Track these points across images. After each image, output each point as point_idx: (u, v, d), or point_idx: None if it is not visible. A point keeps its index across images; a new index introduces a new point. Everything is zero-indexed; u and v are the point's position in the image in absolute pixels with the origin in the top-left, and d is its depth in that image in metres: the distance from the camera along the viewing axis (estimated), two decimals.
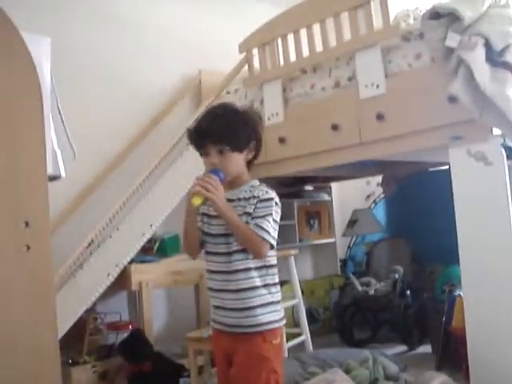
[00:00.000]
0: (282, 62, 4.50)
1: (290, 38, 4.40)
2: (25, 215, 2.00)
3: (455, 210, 3.55)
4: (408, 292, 4.82)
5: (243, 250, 2.25)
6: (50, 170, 2.25)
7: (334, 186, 6.22)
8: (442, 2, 3.57)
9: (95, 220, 4.29)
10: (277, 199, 2.30)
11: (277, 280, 2.34)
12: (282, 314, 2.33)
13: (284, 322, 2.33)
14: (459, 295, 3.78)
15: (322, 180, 5.85)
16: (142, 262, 4.39)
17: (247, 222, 2.23)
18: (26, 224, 2.00)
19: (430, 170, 5.38)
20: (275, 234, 2.25)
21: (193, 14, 5.49)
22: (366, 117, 3.95)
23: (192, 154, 4.75)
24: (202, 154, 2.32)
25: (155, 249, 4.58)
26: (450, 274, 4.49)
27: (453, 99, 3.39)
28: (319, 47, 4.24)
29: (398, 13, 4.30)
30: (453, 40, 3.35)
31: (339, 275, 5.93)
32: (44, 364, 2.19)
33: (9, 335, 2.10)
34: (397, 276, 4.87)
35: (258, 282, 2.27)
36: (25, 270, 2.09)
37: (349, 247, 6.18)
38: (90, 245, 4.16)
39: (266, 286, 2.28)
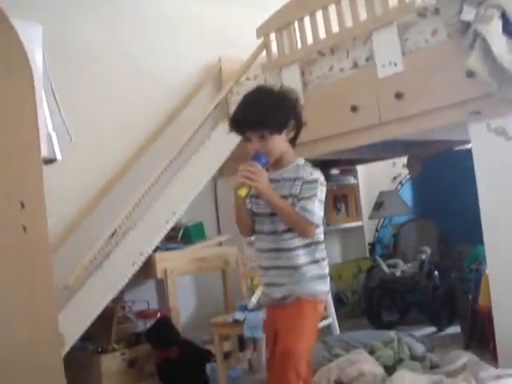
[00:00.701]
0: (299, 46, 4.49)
1: (307, 20, 4.38)
2: (20, 196, 2.02)
3: (477, 186, 3.51)
4: (436, 273, 4.78)
5: (290, 230, 2.32)
6: (44, 153, 2.28)
7: (360, 168, 6.18)
8: None
9: (120, 210, 4.34)
10: (322, 179, 2.36)
11: (325, 255, 2.41)
12: (328, 287, 2.41)
13: (329, 294, 2.49)
14: (485, 273, 3.73)
15: (348, 163, 5.82)
16: (167, 249, 4.42)
17: (293, 204, 2.30)
18: (22, 205, 2.02)
19: (456, 149, 5.31)
20: (321, 213, 2.32)
21: (209, 2, 5.47)
22: (385, 96, 3.92)
23: (214, 141, 4.83)
24: (244, 140, 2.38)
25: (179, 236, 4.61)
26: (478, 253, 4.42)
27: (471, 74, 3.34)
28: (336, 29, 4.21)
29: None
30: (468, 13, 3.30)
31: (367, 258, 5.89)
32: (43, 344, 2.22)
33: (6, 317, 2.13)
34: (424, 257, 4.83)
35: (306, 258, 2.35)
36: (22, 251, 2.11)
37: (376, 230, 6.14)
38: (113, 235, 4.20)
39: (314, 261, 2.37)
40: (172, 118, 5.02)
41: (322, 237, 2.41)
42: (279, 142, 2.34)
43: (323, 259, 2.40)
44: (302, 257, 2.33)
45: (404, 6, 3.77)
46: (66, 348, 3.69)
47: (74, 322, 3.84)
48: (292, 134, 2.40)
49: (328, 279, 2.41)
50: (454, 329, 4.61)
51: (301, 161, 2.41)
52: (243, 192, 2.26)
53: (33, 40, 2.13)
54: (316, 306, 2.38)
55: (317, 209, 2.29)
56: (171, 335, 4.05)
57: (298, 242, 2.33)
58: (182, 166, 4.67)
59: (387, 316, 5.08)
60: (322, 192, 2.34)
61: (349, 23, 4.12)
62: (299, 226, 2.30)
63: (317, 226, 2.34)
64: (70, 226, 4.38)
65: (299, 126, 2.42)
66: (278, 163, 2.40)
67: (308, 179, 2.32)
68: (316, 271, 2.36)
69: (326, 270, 2.41)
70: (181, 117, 5.04)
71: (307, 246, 2.35)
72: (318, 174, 2.35)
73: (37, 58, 2.19)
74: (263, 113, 2.31)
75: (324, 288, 2.39)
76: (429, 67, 3.67)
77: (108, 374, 4.01)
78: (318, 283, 2.36)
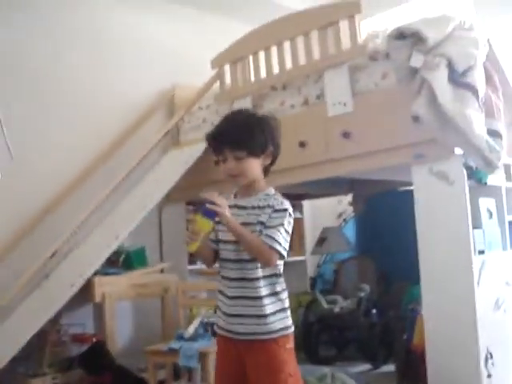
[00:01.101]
0: (252, 79, 4.55)
1: (261, 55, 4.46)
2: None
3: (417, 227, 3.60)
4: (373, 311, 4.83)
5: (253, 259, 2.25)
6: None
7: (306, 204, 6.24)
8: (408, 23, 3.62)
9: (63, 231, 4.28)
10: (291, 210, 2.30)
11: (284, 287, 2.33)
12: (291, 320, 2.33)
13: (293, 328, 2.33)
14: (420, 313, 3.80)
15: (294, 198, 5.87)
16: (107, 273, 4.37)
17: (260, 231, 2.24)
18: None
19: (399, 189, 5.42)
20: (286, 245, 2.24)
21: (167, 29, 5.51)
22: (333, 134, 4.00)
23: (161, 168, 4.84)
24: (219, 161, 2.34)
25: (121, 261, 4.56)
26: (415, 292, 4.50)
27: (416, 118, 3.44)
28: (289, 65, 4.30)
29: (368, 33, 4.37)
30: (417, 60, 3.41)
31: (308, 293, 5.92)
32: None
33: None
34: (362, 294, 4.89)
35: (268, 289, 2.27)
36: None
37: (318, 265, 6.20)
38: (53, 255, 4.14)
39: (276, 293, 2.28)
40: (122, 142, 4.99)
41: (281, 269, 2.34)
42: (254, 166, 2.30)
43: (283, 291, 2.32)
44: (263, 288, 2.26)
45: (356, 49, 3.88)
46: None
47: (6, 343, 3.75)
48: (268, 161, 2.35)
49: (289, 312, 2.32)
50: (390, 367, 4.65)
51: (271, 190, 2.35)
52: (193, 247, 2.23)
53: None
54: (284, 344, 2.28)
55: (282, 239, 2.22)
56: (105, 361, 3.98)
57: (260, 272, 2.26)
58: (129, 190, 4.65)
59: (325, 351, 5.10)
60: (289, 223, 2.27)
61: (302, 60, 4.20)
62: (261, 254, 2.21)
63: (281, 257, 2.24)
64: (10, 245, 4.30)
65: (276, 154, 2.38)
66: (249, 190, 2.35)
67: (277, 208, 2.26)
68: (277, 304, 2.28)
69: (287, 303, 2.33)
70: (131, 141, 5.02)
71: (269, 277, 2.28)
72: (287, 205, 2.29)
73: None
74: (244, 133, 2.28)
75: (287, 322, 2.30)
76: (377, 109, 3.77)
77: None
78: (280, 318, 2.28)
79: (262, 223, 2.25)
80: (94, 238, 4.35)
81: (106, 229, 4.37)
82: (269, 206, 2.27)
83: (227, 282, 2.33)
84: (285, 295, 2.32)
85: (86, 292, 4.17)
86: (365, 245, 6.00)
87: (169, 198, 4.90)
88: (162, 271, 4.88)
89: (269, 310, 2.25)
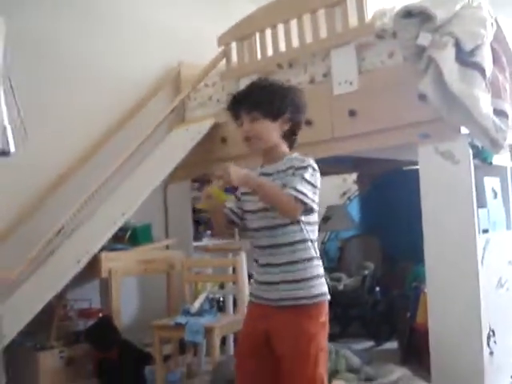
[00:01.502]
0: (259, 57, 4.55)
1: (268, 33, 4.45)
2: None
3: (422, 206, 3.62)
4: (377, 288, 4.88)
5: (285, 225, 2.24)
6: None
7: None
8: (416, 1, 3.61)
9: (70, 207, 4.32)
10: (314, 165, 2.26)
11: (318, 253, 2.31)
12: (326, 288, 2.28)
13: (328, 296, 2.29)
14: (423, 291, 3.83)
15: None
16: (113, 249, 4.40)
17: None
18: None
19: (404, 168, 5.43)
20: (311, 195, 2.18)
21: (173, 6, 5.50)
22: (339, 113, 4.01)
23: (167, 145, 4.85)
24: (238, 126, 2.35)
25: (127, 237, 4.59)
26: (420, 271, 4.52)
27: (422, 97, 3.44)
28: (296, 43, 4.29)
29: (376, 11, 4.35)
30: (424, 39, 3.40)
31: None
32: None
33: None
34: (366, 272, 4.92)
35: (301, 255, 2.24)
36: None
37: (323, 243, 6.23)
38: (60, 231, 4.17)
39: (309, 259, 2.25)
40: (129, 119, 5.01)
41: (316, 235, 2.31)
42: (270, 130, 2.28)
43: (318, 258, 2.29)
44: (298, 252, 2.24)
45: (363, 27, 3.88)
46: (5, 342, 3.66)
47: (14, 317, 3.79)
48: (286, 127, 2.32)
49: (323, 279, 2.28)
50: (392, 344, 4.71)
51: (296, 155, 2.32)
52: (221, 197, 2.23)
53: None
54: (318, 313, 2.24)
55: (304, 188, 2.16)
56: (112, 335, 4.03)
57: (290, 237, 2.24)
58: (135, 167, 4.67)
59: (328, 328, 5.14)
60: (312, 175, 2.22)
61: (309, 39, 4.20)
62: (282, 203, 2.15)
63: (306, 208, 2.18)
64: (17, 220, 4.33)
65: (296, 125, 2.36)
66: (271, 156, 2.32)
67: (298, 166, 2.22)
68: (313, 270, 2.24)
69: (321, 270, 2.30)
70: (138, 118, 5.04)
71: (302, 241, 2.25)
72: (309, 161, 2.25)
73: None
74: (261, 95, 2.29)
75: (323, 288, 2.26)
76: (383, 88, 3.77)
77: (45, 372, 3.95)
78: (316, 284, 2.24)
79: (284, 185, 2.21)
80: (101, 214, 4.38)
81: (112, 205, 4.40)
82: (291, 168, 2.24)
83: (259, 251, 2.33)
84: (318, 262, 2.29)
85: (92, 268, 4.20)
86: (369, 223, 6.04)
87: (174, 176, 4.92)
88: (167, 247, 4.91)
89: (301, 275, 2.22)
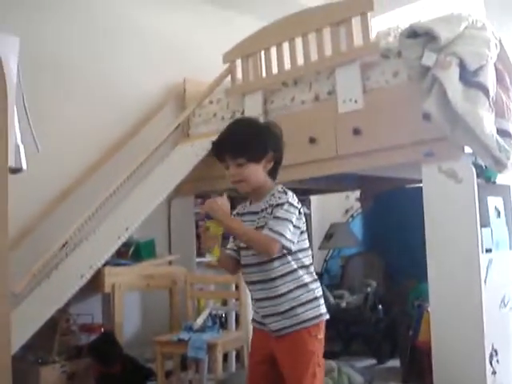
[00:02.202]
0: (264, 74, 4.58)
1: (273, 50, 4.48)
2: None
3: (425, 225, 3.62)
4: (379, 306, 4.87)
5: (270, 260, 2.32)
6: (12, 163, 2.32)
7: (314, 199, 6.27)
8: (420, 21, 3.65)
9: (73, 222, 4.33)
10: (291, 199, 2.33)
11: (315, 277, 2.40)
12: (323, 309, 2.38)
13: (327, 316, 2.39)
14: (426, 309, 3.83)
15: (301, 193, 5.90)
16: (116, 264, 4.41)
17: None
18: None
19: (407, 186, 5.44)
20: (287, 234, 2.26)
21: (179, 23, 5.56)
22: (343, 131, 4.03)
23: (172, 161, 4.87)
24: (224, 167, 2.43)
25: (130, 253, 4.61)
26: (422, 289, 4.52)
27: (427, 116, 3.47)
28: (301, 61, 4.32)
29: (379, 31, 4.39)
30: (429, 58, 3.44)
31: None
32: None
33: None
34: (369, 290, 4.92)
35: (293, 284, 2.33)
36: None
37: (325, 260, 6.23)
38: (64, 246, 4.18)
39: (303, 285, 2.34)
40: (134, 134, 5.05)
41: (308, 261, 2.39)
42: (256, 172, 2.37)
43: (312, 282, 2.38)
44: (288, 283, 2.33)
45: (368, 46, 3.91)
46: None
47: (17, 331, 3.78)
48: (270, 166, 2.41)
49: (320, 301, 2.38)
50: (394, 362, 4.69)
51: (277, 188, 2.39)
52: (216, 253, 2.36)
53: (9, 52, 2.17)
54: (317, 331, 2.34)
55: (281, 227, 2.25)
56: (114, 350, 4.03)
57: (278, 271, 2.33)
58: (139, 182, 4.69)
59: (330, 346, 5.12)
60: (286, 211, 2.28)
61: (314, 57, 4.23)
62: (259, 244, 2.28)
63: (283, 246, 2.26)
64: (21, 234, 4.35)
65: (278, 159, 2.45)
66: (258, 194, 2.42)
67: (276, 203, 2.31)
68: (309, 294, 2.35)
69: (317, 293, 2.38)
70: (142, 133, 5.08)
71: (291, 272, 2.33)
72: (285, 198, 2.32)
73: (12, 69, 2.23)
74: (242, 141, 2.37)
75: (321, 310, 2.37)
76: (388, 106, 3.80)
77: None
78: (313, 306, 2.35)
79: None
80: (105, 229, 4.38)
81: (116, 220, 4.41)
82: (270, 206, 2.34)
83: (251, 286, 2.43)
84: (315, 285, 2.38)
85: (95, 282, 4.21)
86: (372, 241, 6.04)
87: (178, 191, 4.94)
88: (170, 263, 4.92)
89: (295, 302, 2.32)
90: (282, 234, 2.25)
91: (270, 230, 2.26)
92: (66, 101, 4.75)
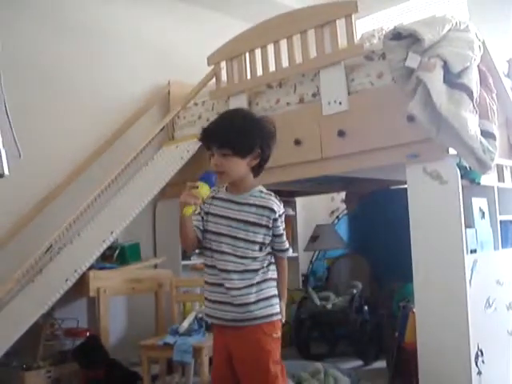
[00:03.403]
0: (248, 76, 4.57)
1: (258, 52, 4.48)
2: None
3: (410, 226, 3.64)
4: (365, 308, 4.87)
5: (249, 257, 2.38)
6: None
7: (299, 200, 6.27)
8: (404, 23, 3.66)
9: (58, 226, 4.30)
10: (282, 210, 2.47)
11: (275, 275, 2.47)
12: (277, 308, 2.45)
13: (279, 316, 2.46)
14: (412, 311, 3.84)
15: (287, 194, 5.90)
16: (102, 268, 4.38)
17: (265, 235, 2.39)
18: None
19: (392, 187, 5.46)
20: (287, 245, 2.52)
21: (164, 25, 5.55)
22: (328, 133, 4.04)
23: (156, 164, 4.85)
24: (209, 154, 2.42)
25: (115, 256, 4.58)
26: (407, 291, 4.53)
27: (411, 118, 3.48)
28: (285, 63, 4.32)
29: (364, 33, 4.40)
30: (413, 60, 3.45)
31: (300, 289, 5.96)
32: None
33: None
34: (355, 291, 4.92)
35: (258, 279, 2.39)
36: None
37: (311, 262, 6.23)
38: (48, 250, 4.16)
39: (261, 282, 2.40)
40: (118, 137, 5.01)
41: (272, 259, 2.48)
42: (239, 166, 2.37)
43: (273, 279, 2.45)
44: (253, 278, 2.38)
45: (352, 48, 3.92)
46: None
47: (1, 336, 3.76)
48: (254, 163, 2.41)
49: (277, 300, 2.45)
50: (380, 363, 4.69)
51: (263, 188, 2.45)
52: (189, 211, 2.28)
53: None
54: (271, 332, 2.40)
55: (286, 243, 2.49)
56: (99, 355, 4.00)
57: (253, 266, 2.39)
58: (124, 185, 4.67)
59: (316, 348, 5.14)
60: (283, 223, 2.47)
61: (299, 59, 4.23)
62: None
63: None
64: (5, 238, 4.30)
65: (265, 157, 2.44)
66: (239, 187, 2.43)
67: (279, 213, 2.41)
68: (264, 292, 2.40)
69: (275, 291, 2.45)
70: (126, 136, 5.04)
71: (260, 269, 2.40)
72: (277, 206, 2.42)
73: None
74: (231, 134, 2.36)
75: (275, 309, 2.42)
76: (372, 108, 3.81)
77: None
78: (267, 304, 2.40)
79: (263, 226, 2.38)
80: (89, 232, 4.36)
81: (100, 224, 4.39)
82: (269, 209, 2.39)
83: (215, 271, 2.42)
84: (274, 283, 2.45)
85: (80, 287, 4.18)
86: (357, 242, 6.05)
87: (163, 194, 4.92)
88: (155, 266, 4.90)
89: (255, 297, 2.37)
90: (289, 248, 2.51)
91: (285, 251, 2.50)
92: (50, 104, 4.72)
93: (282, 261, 2.51)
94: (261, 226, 2.37)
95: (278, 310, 2.43)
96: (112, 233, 4.26)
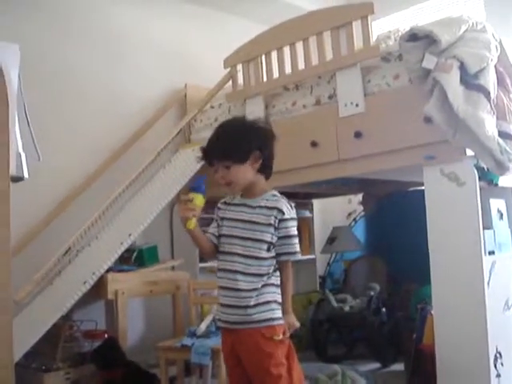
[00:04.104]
0: (265, 79, 4.58)
1: (274, 55, 4.49)
2: None
3: (428, 228, 3.62)
4: (383, 310, 4.85)
5: (257, 257, 2.42)
6: (13, 172, 2.35)
7: (316, 202, 6.26)
8: (420, 24, 3.65)
9: (76, 228, 4.33)
10: (294, 213, 2.51)
11: (278, 282, 2.49)
12: (279, 313, 2.46)
13: (281, 321, 2.45)
14: (430, 313, 3.82)
15: (303, 196, 5.90)
16: (120, 271, 4.41)
17: (273, 235, 2.42)
18: None
19: (410, 189, 5.44)
20: (298, 248, 2.51)
21: (180, 28, 5.58)
22: (345, 135, 4.03)
23: (174, 166, 4.87)
24: (214, 171, 2.49)
25: (133, 258, 4.61)
26: (425, 293, 4.51)
27: (428, 119, 3.47)
28: (302, 65, 4.33)
29: (380, 34, 4.39)
30: (430, 61, 3.44)
31: (318, 291, 5.95)
32: None
33: None
34: (372, 293, 4.90)
35: (261, 284, 2.42)
36: None
37: (328, 264, 6.22)
38: (67, 252, 4.19)
39: (266, 285, 2.43)
40: (135, 140, 5.04)
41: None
42: (243, 172, 2.44)
43: (277, 286, 2.47)
44: (258, 282, 2.41)
45: (369, 50, 3.91)
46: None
47: (20, 338, 3.78)
48: (258, 165, 2.47)
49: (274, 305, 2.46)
50: (398, 366, 4.66)
51: (276, 193, 2.51)
52: (191, 225, 2.40)
53: (9, 60, 2.19)
54: (271, 335, 2.40)
55: (297, 244, 2.48)
56: (117, 357, 4.02)
57: (261, 269, 2.42)
58: (141, 188, 4.69)
59: (333, 350, 5.13)
60: (293, 227, 2.48)
61: (315, 61, 4.23)
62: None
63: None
64: (24, 241, 4.34)
65: (266, 156, 2.49)
66: (251, 191, 2.50)
67: (290, 216, 2.44)
68: (265, 296, 2.42)
69: (279, 297, 2.47)
70: (144, 139, 5.08)
71: (266, 273, 2.43)
72: (294, 212, 2.49)
73: (12, 78, 2.24)
74: (226, 145, 2.44)
75: (276, 313, 2.43)
76: (389, 110, 3.80)
77: None
78: (267, 308, 2.42)
79: (271, 225, 2.42)
80: (107, 235, 4.39)
81: (119, 226, 4.41)
82: (278, 209, 2.43)
83: (224, 274, 2.48)
84: (274, 289, 2.46)
85: (98, 289, 4.21)
86: (374, 245, 6.02)
87: (180, 197, 4.93)
88: (173, 268, 4.91)
89: (256, 301, 2.40)
90: (299, 252, 2.48)
91: (293, 253, 2.47)
92: (67, 108, 4.76)
93: (286, 269, 2.51)
94: (269, 225, 2.41)
95: (279, 315, 2.45)
96: (130, 235, 4.28)
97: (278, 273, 2.49)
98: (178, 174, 4.73)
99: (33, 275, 4.07)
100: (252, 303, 2.39)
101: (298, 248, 2.48)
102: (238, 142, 2.45)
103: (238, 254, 2.43)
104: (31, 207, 4.44)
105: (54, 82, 4.70)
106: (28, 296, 4.00)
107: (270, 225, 2.41)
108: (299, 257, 2.47)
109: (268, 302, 2.42)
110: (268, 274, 2.44)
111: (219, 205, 2.61)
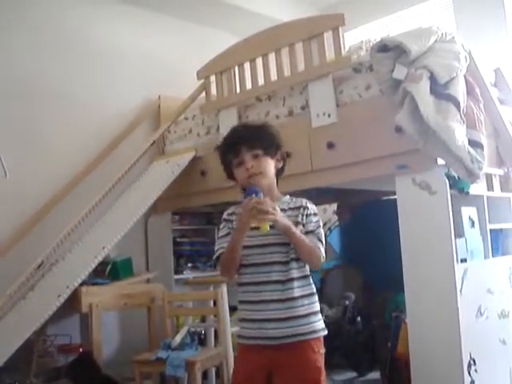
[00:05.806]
0: (238, 90, 4.60)
1: (247, 66, 4.51)
2: None
3: (400, 236, 3.65)
4: (358, 319, 4.86)
5: (293, 259, 2.28)
6: None
7: None
8: (391, 35, 3.69)
9: (50, 242, 4.30)
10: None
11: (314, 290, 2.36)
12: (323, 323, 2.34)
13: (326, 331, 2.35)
14: (404, 321, 3.84)
15: None
16: (94, 284, 4.38)
17: (301, 232, 2.28)
18: None
19: (383, 198, 5.47)
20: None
21: (153, 40, 5.57)
22: (318, 145, 4.06)
23: (148, 178, 4.86)
24: (235, 166, 2.36)
25: (107, 271, 4.57)
26: (400, 300, 4.54)
27: (399, 129, 3.50)
28: (274, 76, 4.35)
29: (352, 45, 4.43)
30: (400, 72, 3.48)
31: None
32: None
33: None
34: (347, 303, 4.92)
35: (303, 291, 2.28)
36: None
37: None
38: (39, 266, 4.15)
39: (311, 294, 2.32)
40: (108, 152, 5.03)
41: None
42: (271, 166, 2.36)
43: (314, 294, 2.34)
44: (298, 289, 2.27)
45: (340, 61, 3.94)
46: None
47: None
48: (280, 165, 2.42)
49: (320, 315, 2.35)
50: (375, 374, 4.68)
51: (289, 197, 2.43)
52: (267, 227, 2.21)
53: None
54: (319, 349, 2.30)
55: (323, 239, 2.34)
56: (92, 371, 3.99)
57: (294, 273, 2.28)
58: (115, 200, 4.67)
59: None
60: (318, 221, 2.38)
61: (287, 72, 4.26)
62: (314, 257, 2.27)
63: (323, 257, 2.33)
64: None
65: (285, 162, 2.45)
66: (270, 195, 2.32)
67: (313, 212, 2.35)
68: (313, 305, 2.30)
69: (318, 306, 2.35)
70: (117, 151, 5.07)
71: (301, 278, 2.30)
72: (316, 209, 2.40)
73: None
74: (260, 132, 2.37)
75: (322, 325, 2.32)
76: (361, 120, 3.83)
77: None
78: (316, 319, 2.30)
79: (298, 223, 2.29)
80: (81, 248, 4.35)
81: (92, 239, 4.38)
82: (303, 207, 2.34)
83: (256, 287, 2.29)
84: (317, 298, 2.35)
85: (72, 302, 4.17)
86: (350, 254, 6.04)
87: (155, 208, 4.93)
88: (148, 281, 4.89)
89: (305, 310, 2.26)
90: (324, 247, 2.32)
91: (321, 241, 2.30)
92: (40, 121, 4.74)
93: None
94: (297, 223, 2.29)
95: (323, 325, 2.33)
96: (104, 248, 4.25)
97: (311, 280, 2.35)
98: (151, 186, 4.72)
99: (5, 290, 4.02)
100: (303, 313, 2.25)
101: (323, 240, 2.33)
102: (270, 134, 2.39)
103: (277, 263, 2.27)
104: (3, 220, 4.40)
105: (26, 95, 4.67)
106: (1, 310, 3.95)
107: (298, 223, 2.28)
108: (323, 250, 2.30)
109: (315, 313, 2.30)
110: (308, 276, 2.31)
111: (227, 217, 2.41)
